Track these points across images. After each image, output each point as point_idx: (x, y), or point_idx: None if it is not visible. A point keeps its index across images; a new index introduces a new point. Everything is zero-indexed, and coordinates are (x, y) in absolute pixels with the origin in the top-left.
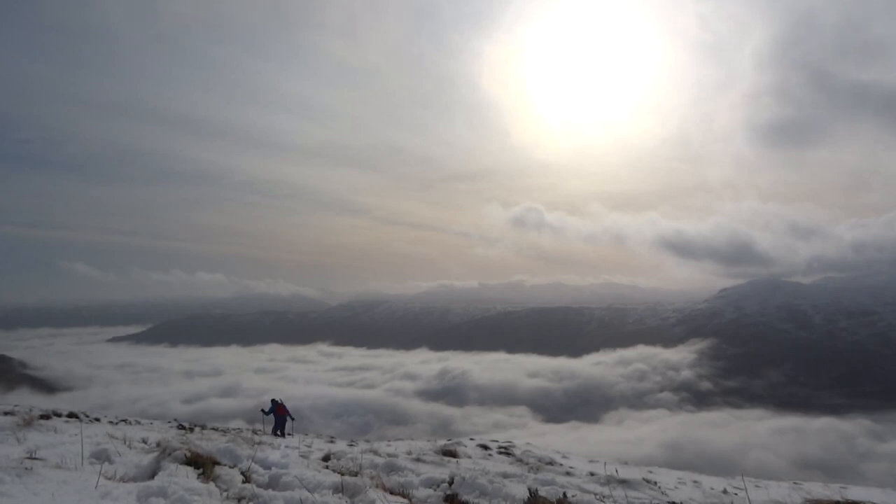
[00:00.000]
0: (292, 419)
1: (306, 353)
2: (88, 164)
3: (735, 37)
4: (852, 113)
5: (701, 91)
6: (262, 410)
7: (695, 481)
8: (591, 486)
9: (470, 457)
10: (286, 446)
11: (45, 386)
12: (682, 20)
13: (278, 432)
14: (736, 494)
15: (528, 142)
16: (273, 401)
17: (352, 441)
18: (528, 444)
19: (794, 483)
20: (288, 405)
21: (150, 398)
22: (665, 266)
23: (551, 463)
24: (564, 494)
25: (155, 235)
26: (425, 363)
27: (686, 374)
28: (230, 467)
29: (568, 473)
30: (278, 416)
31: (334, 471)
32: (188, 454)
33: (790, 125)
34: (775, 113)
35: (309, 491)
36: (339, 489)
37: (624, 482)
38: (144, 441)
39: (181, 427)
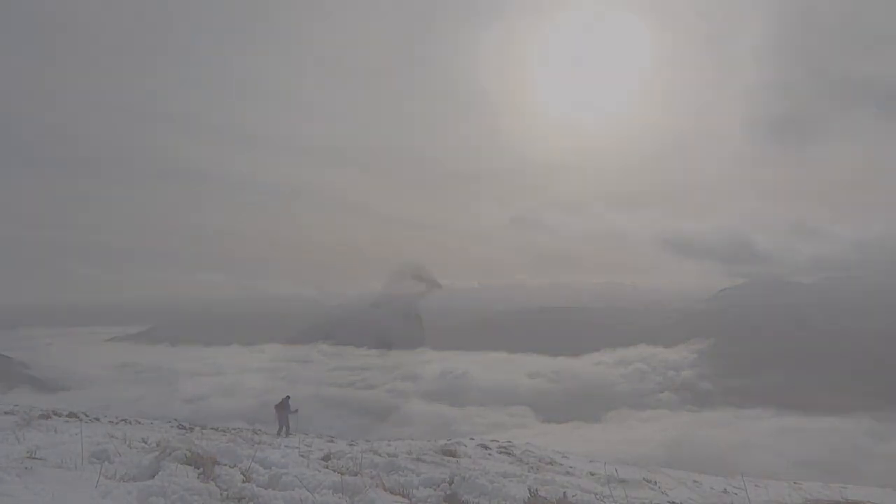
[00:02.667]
0: (291, 411)
1: (306, 352)
2: (88, 164)
3: (734, 30)
4: (853, 109)
5: (700, 88)
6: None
7: (695, 481)
8: (591, 486)
9: (470, 456)
10: (286, 446)
11: (45, 386)
12: (680, 14)
13: (282, 431)
14: (736, 494)
15: (527, 140)
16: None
17: (352, 441)
18: (527, 443)
19: (794, 483)
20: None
21: (150, 398)
22: (665, 265)
23: (551, 462)
24: (564, 494)
25: (155, 235)
26: (426, 363)
27: (686, 373)
28: (230, 467)
29: (568, 473)
30: (279, 414)
31: (334, 470)
32: (188, 454)
33: (790, 122)
34: (775, 109)
35: (309, 490)
36: (339, 489)
37: (624, 482)
38: (144, 441)
39: (181, 427)
